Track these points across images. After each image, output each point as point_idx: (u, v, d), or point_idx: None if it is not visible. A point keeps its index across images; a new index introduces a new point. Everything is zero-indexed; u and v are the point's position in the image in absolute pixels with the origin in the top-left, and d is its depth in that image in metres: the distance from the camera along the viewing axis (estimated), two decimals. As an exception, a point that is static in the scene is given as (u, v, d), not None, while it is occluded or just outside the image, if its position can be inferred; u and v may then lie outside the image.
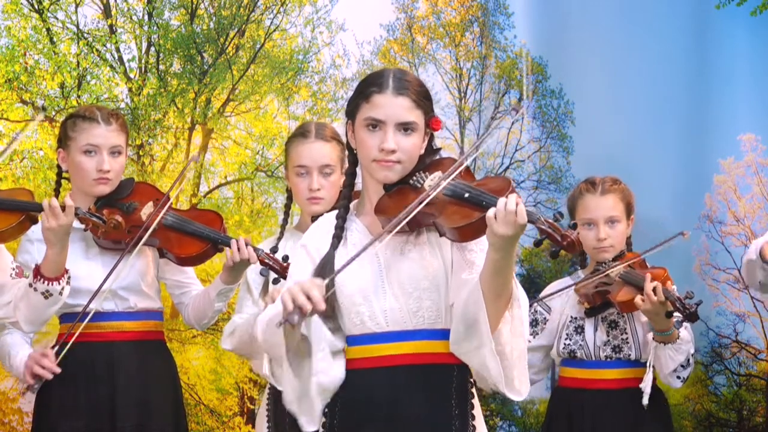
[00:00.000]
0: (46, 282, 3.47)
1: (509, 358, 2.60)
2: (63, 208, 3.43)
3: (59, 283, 3.49)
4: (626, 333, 3.90)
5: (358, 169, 2.80)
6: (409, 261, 2.70)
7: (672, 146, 5.41)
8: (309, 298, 2.49)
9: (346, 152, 2.83)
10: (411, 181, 2.72)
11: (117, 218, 3.56)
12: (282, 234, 3.80)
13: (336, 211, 2.80)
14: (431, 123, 2.75)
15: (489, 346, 2.56)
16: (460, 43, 5.61)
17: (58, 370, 3.56)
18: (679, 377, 3.82)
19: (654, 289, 3.67)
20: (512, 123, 5.70)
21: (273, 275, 3.58)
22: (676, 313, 3.71)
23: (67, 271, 3.51)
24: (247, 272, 3.72)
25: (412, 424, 2.68)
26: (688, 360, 3.81)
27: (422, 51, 5.55)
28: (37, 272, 3.48)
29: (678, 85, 5.42)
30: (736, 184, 5.35)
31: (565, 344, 3.94)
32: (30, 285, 3.48)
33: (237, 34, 5.15)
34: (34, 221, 3.53)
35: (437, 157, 2.78)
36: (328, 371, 2.68)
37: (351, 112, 2.75)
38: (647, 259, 3.96)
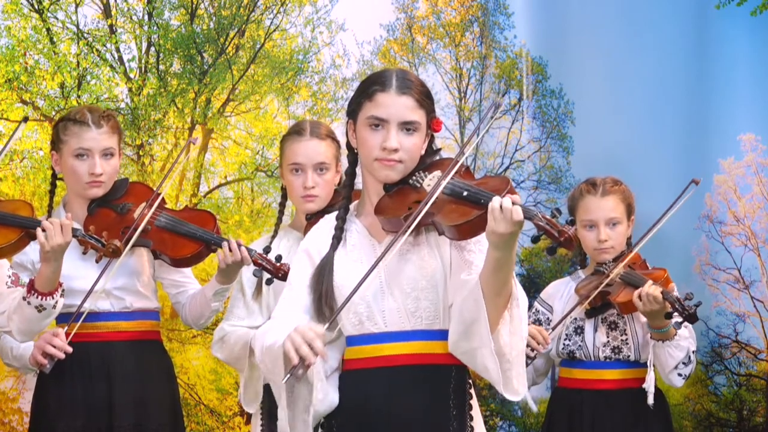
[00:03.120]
0: (39, 297, 3.46)
1: (509, 359, 2.59)
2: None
3: (53, 298, 3.48)
4: (626, 334, 3.90)
5: (358, 169, 2.80)
6: (407, 261, 2.70)
7: (672, 146, 5.40)
8: (311, 348, 2.52)
9: (347, 152, 2.82)
10: (411, 181, 2.72)
11: (115, 243, 3.55)
12: (276, 232, 3.80)
13: (336, 212, 2.80)
14: (432, 124, 2.75)
15: (489, 346, 2.56)
16: (460, 43, 5.61)
17: (70, 349, 3.54)
18: (680, 374, 3.81)
19: (651, 293, 3.67)
20: (512, 122, 5.70)
21: (266, 276, 3.58)
22: (675, 315, 3.71)
23: (61, 285, 3.51)
24: (242, 272, 3.72)
25: (409, 425, 2.68)
26: (689, 357, 3.80)
27: (422, 51, 5.55)
28: (31, 287, 3.47)
29: (678, 85, 5.41)
30: (736, 184, 5.34)
31: (564, 345, 3.94)
32: (24, 298, 3.48)
33: (237, 34, 5.15)
34: (33, 237, 3.51)
35: (437, 158, 2.78)
36: (325, 400, 2.69)
37: (353, 111, 2.75)
38: (649, 261, 3.95)
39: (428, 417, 2.68)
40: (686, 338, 3.80)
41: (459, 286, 2.62)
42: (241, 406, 5.13)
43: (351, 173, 2.80)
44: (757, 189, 5.33)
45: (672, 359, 3.77)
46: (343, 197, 2.80)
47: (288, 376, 2.55)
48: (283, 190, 3.81)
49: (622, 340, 3.89)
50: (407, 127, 2.69)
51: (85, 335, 3.62)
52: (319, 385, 2.66)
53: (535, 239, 2.56)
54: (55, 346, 3.53)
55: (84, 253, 3.60)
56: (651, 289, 3.68)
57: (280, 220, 3.82)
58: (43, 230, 3.40)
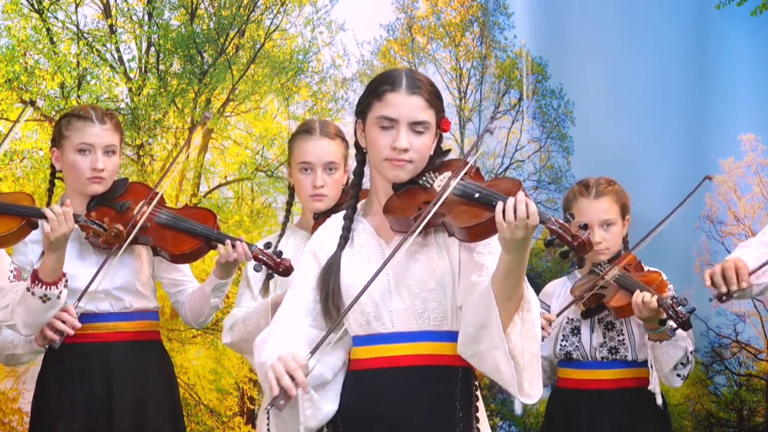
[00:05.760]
0: (44, 287, 3.47)
1: (520, 362, 2.58)
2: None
3: (57, 288, 3.48)
4: (623, 334, 3.90)
5: (366, 169, 2.80)
6: (415, 262, 2.70)
7: (672, 146, 5.40)
8: (293, 379, 2.51)
9: (355, 151, 2.82)
10: (420, 181, 2.72)
11: (118, 227, 3.56)
12: (283, 231, 3.80)
13: (343, 212, 2.79)
14: (441, 123, 2.74)
15: (502, 348, 2.55)
16: (460, 43, 5.61)
17: (79, 324, 3.56)
18: (679, 375, 3.82)
19: (646, 302, 3.67)
20: (512, 123, 5.70)
21: (267, 271, 3.59)
22: (669, 321, 3.71)
23: (64, 275, 3.51)
24: (247, 268, 3.73)
25: (415, 426, 2.68)
26: (687, 357, 3.81)
27: (422, 51, 5.54)
28: (35, 277, 3.47)
29: (678, 85, 5.41)
30: (736, 184, 5.34)
31: (561, 345, 3.94)
32: (28, 289, 3.48)
33: (237, 34, 5.15)
34: (34, 227, 3.52)
35: (446, 158, 2.77)
36: (317, 415, 2.69)
37: (362, 110, 2.74)
38: (649, 261, 3.95)
39: (434, 418, 2.68)
40: (684, 338, 3.80)
41: (469, 288, 2.62)
42: (241, 406, 5.13)
43: (359, 172, 2.79)
44: (757, 189, 5.33)
45: (671, 359, 3.77)
46: (351, 197, 2.79)
47: (270, 407, 2.57)
48: (291, 189, 3.81)
49: (619, 340, 3.89)
50: (417, 127, 2.68)
51: (85, 336, 3.62)
52: (306, 404, 2.66)
53: (548, 243, 2.55)
54: (64, 321, 3.54)
55: (86, 238, 3.61)
56: (645, 297, 3.69)
57: (287, 219, 3.83)
58: (47, 219, 3.41)
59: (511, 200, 2.48)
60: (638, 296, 3.69)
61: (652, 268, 3.93)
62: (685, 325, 3.67)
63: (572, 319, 3.96)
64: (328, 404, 2.71)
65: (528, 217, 2.45)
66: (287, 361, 2.54)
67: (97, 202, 3.72)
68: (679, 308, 3.67)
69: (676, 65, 5.41)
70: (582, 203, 3.92)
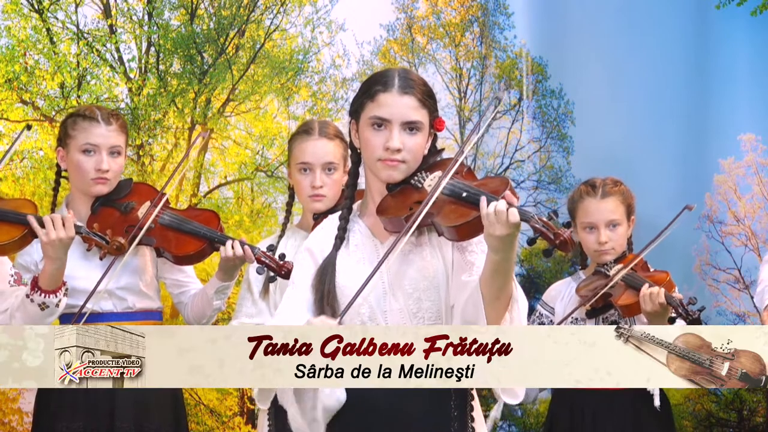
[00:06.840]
0: (43, 294, 3.46)
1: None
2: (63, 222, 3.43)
3: (56, 296, 3.48)
4: (627, 333, 3.89)
5: (360, 169, 2.80)
6: (409, 262, 2.69)
7: (672, 146, 5.41)
8: None
9: (350, 152, 2.82)
10: (412, 181, 2.72)
11: (119, 240, 3.55)
12: (283, 232, 3.80)
13: (339, 213, 2.80)
14: (435, 123, 2.75)
15: None
16: (460, 43, 5.62)
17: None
18: (686, 375, 3.81)
19: (655, 296, 3.67)
20: (512, 122, 5.70)
21: (269, 274, 3.59)
22: (678, 319, 3.70)
23: (64, 284, 3.51)
24: (248, 271, 3.72)
25: (411, 425, 2.67)
26: (695, 357, 3.80)
27: (422, 51, 5.55)
28: (35, 284, 3.46)
29: (678, 85, 5.42)
30: (736, 184, 5.35)
31: (565, 344, 3.94)
32: (27, 296, 3.48)
33: (237, 34, 5.15)
34: (36, 235, 3.51)
35: (439, 158, 2.78)
36: (332, 394, 2.66)
37: (355, 111, 2.74)
38: (650, 262, 3.95)
39: (429, 417, 2.67)
40: (691, 338, 3.79)
41: (460, 287, 2.62)
42: (241, 406, 5.13)
43: (354, 173, 2.80)
44: (757, 189, 5.33)
45: (680, 360, 3.76)
46: (346, 197, 2.79)
47: None
48: (290, 189, 3.81)
49: (623, 340, 3.88)
50: (410, 127, 2.68)
51: (87, 336, 3.62)
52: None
53: (531, 241, 2.56)
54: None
55: (88, 250, 3.60)
56: (654, 291, 3.68)
57: (287, 220, 3.83)
58: (43, 225, 3.41)
59: (492, 203, 2.48)
60: (646, 288, 3.68)
61: (658, 269, 3.92)
62: (696, 323, 3.66)
63: (577, 319, 3.95)
64: (339, 390, 2.68)
65: (507, 216, 2.45)
66: (318, 326, 2.53)
67: (101, 203, 3.72)
68: (688, 306, 3.67)
69: (676, 65, 5.42)
70: (588, 203, 3.92)
